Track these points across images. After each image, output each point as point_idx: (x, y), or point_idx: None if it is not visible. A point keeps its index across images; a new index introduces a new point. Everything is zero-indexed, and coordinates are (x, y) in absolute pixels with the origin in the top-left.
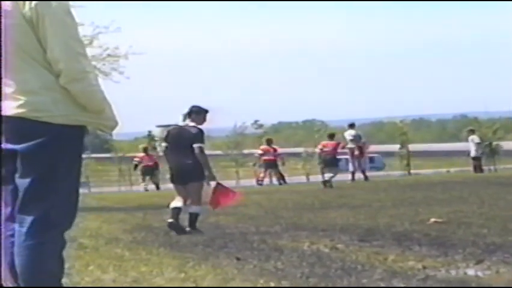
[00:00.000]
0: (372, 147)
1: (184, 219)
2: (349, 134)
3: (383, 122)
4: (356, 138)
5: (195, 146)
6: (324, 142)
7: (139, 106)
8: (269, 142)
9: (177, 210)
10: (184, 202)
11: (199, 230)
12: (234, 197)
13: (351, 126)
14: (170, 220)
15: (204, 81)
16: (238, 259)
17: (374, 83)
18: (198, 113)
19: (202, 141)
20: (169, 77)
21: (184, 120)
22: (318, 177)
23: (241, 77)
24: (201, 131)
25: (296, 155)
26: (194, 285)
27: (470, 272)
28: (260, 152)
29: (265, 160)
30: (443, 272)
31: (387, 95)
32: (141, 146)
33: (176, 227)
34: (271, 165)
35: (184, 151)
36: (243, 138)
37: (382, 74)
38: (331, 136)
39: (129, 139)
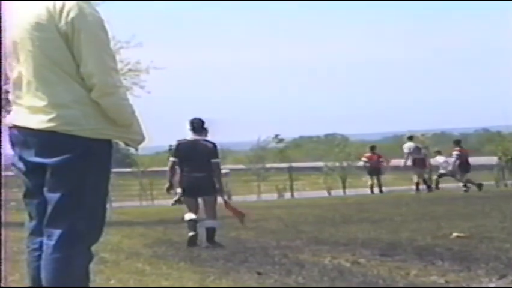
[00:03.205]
0: (394, 161)
1: (202, 235)
2: (407, 146)
3: (404, 136)
4: (415, 151)
5: (214, 161)
6: None
7: (160, 121)
8: (373, 149)
9: (193, 222)
10: (195, 213)
11: (220, 244)
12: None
13: (410, 138)
14: (191, 233)
15: (224, 95)
16: (259, 274)
17: (395, 96)
18: (199, 125)
19: (218, 156)
20: (190, 92)
21: (197, 134)
22: (339, 192)
23: (263, 91)
24: (215, 146)
25: (317, 169)
26: None
27: (493, 286)
28: (365, 159)
29: (370, 167)
30: (465, 286)
31: (409, 109)
32: None
33: (196, 238)
34: (375, 172)
35: (199, 165)
36: (265, 152)
37: (404, 87)
38: None
39: (150, 153)
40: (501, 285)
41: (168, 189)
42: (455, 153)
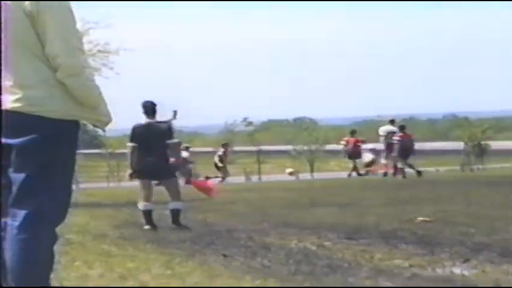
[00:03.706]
0: (363, 145)
1: (168, 216)
2: (382, 130)
3: (374, 121)
4: (392, 135)
5: (171, 142)
6: None
7: (129, 102)
8: (353, 133)
9: (148, 214)
10: (148, 199)
11: (186, 226)
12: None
13: (391, 122)
14: (146, 227)
15: (193, 78)
16: (225, 256)
17: (365, 82)
18: (151, 108)
19: (173, 136)
20: (159, 74)
21: (150, 117)
22: (307, 175)
23: (232, 74)
24: (170, 127)
25: (285, 152)
26: (181, 282)
27: (457, 271)
28: (343, 142)
29: (349, 151)
30: (429, 270)
31: (378, 94)
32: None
33: (153, 227)
34: (355, 155)
35: (154, 148)
36: (233, 135)
37: (373, 73)
38: None
39: (118, 135)
40: (465, 269)
41: (131, 176)
42: (396, 138)
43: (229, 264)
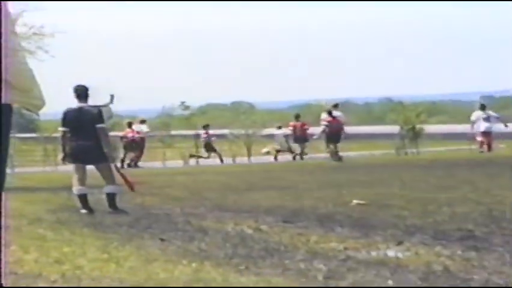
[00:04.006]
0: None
1: (104, 200)
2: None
3: (309, 105)
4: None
5: (99, 126)
6: None
7: (65, 86)
8: (297, 117)
9: (84, 198)
10: (82, 183)
11: (123, 210)
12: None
13: (335, 106)
14: (83, 211)
15: (131, 61)
16: (162, 240)
17: (301, 66)
18: (83, 92)
19: (103, 121)
20: (96, 57)
21: (82, 101)
22: (244, 159)
23: (171, 58)
24: (100, 111)
25: (223, 136)
26: (117, 266)
27: (390, 253)
28: (291, 128)
29: (297, 136)
30: (363, 253)
31: (314, 78)
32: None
33: (90, 211)
34: (300, 140)
35: (85, 132)
36: (171, 119)
37: (309, 56)
38: None
39: (55, 119)
40: (398, 251)
41: (63, 159)
42: (324, 123)
43: (166, 248)
